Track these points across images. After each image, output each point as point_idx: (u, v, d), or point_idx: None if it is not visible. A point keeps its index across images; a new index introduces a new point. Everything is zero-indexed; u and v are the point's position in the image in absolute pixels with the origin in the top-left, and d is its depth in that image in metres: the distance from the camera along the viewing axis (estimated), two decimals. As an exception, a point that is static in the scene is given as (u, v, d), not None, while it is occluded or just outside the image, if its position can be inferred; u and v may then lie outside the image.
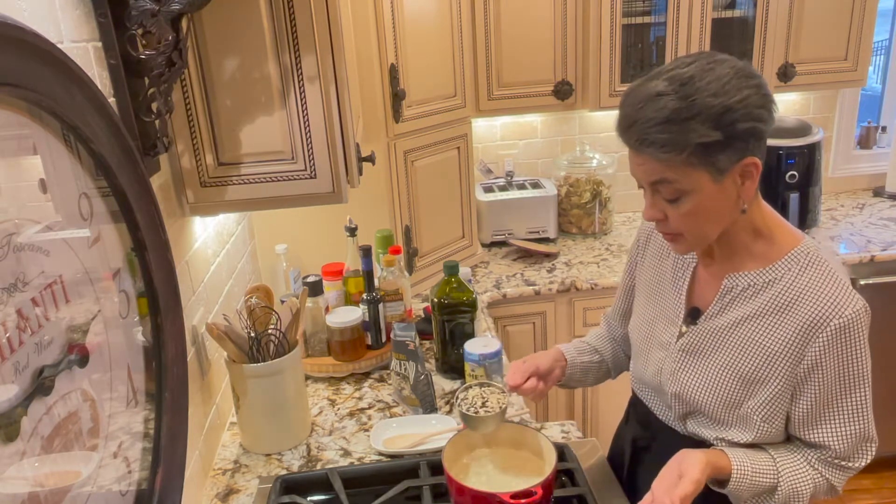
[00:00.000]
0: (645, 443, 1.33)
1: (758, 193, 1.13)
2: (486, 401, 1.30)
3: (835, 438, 1.12)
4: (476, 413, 1.26)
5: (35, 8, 0.91)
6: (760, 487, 1.12)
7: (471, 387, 1.33)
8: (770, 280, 1.12)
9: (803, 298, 1.08)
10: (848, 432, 1.12)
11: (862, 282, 2.49)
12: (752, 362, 1.12)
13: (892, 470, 2.82)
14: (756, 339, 1.12)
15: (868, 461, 1.15)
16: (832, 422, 1.12)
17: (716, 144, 1.00)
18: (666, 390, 1.23)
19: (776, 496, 1.13)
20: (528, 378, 1.32)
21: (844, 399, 1.11)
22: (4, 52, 0.70)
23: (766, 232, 1.13)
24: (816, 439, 1.14)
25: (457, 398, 1.31)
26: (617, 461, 1.42)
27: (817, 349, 1.07)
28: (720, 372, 1.15)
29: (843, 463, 1.14)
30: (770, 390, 1.12)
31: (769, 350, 1.11)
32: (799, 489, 1.13)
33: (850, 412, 1.11)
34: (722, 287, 1.16)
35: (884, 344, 2.59)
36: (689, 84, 1.00)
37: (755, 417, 1.14)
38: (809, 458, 1.15)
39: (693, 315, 1.21)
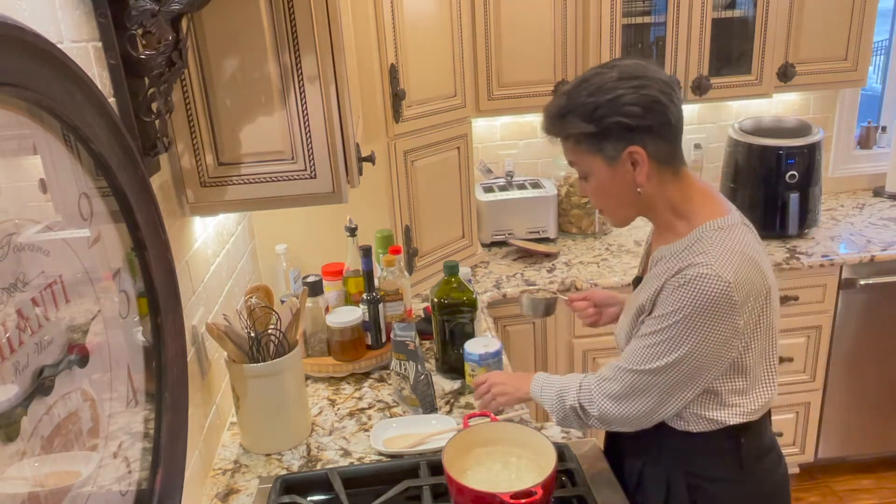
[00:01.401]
0: (632, 441, 1.38)
1: (682, 176, 1.25)
2: (537, 292, 1.76)
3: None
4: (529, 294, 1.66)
5: (35, 8, 0.91)
6: (550, 392, 1.35)
7: (532, 290, 1.67)
8: (675, 251, 1.23)
9: (675, 261, 1.21)
10: (633, 341, 1.26)
11: (862, 282, 2.49)
12: (632, 320, 1.28)
13: (892, 470, 2.83)
14: (638, 299, 1.27)
15: (635, 365, 1.22)
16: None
17: (594, 135, 1.19)
18: None
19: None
20: (584, 299, 1.63)
21: (646, 332, 1.22)
22: (4, 52, 0.70)
23: (685, 211, 1.25)
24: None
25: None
26: (609, 451, 1.48)
27: (657, 292, 1.21)
28: (621, 330, 1.35)
29: (605, 371, 1.28)
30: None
31: (642, 307, 1.25)
32: (555, 394, 1.33)
33: (648, 332, 1.21)
34: (651, 259, 1.31)
35: (884, 344, 2.59)
36: (579, 85, 1.20)
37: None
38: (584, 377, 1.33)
39: (636, 283, 1.39)
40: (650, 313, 1.22)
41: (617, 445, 1.42)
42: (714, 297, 1.13)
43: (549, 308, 1.69)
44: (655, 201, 1.25)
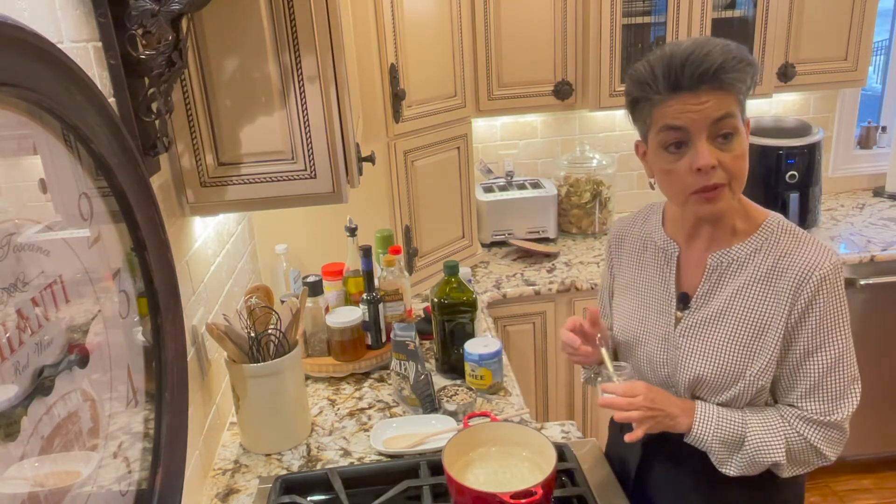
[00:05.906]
0: (657, 445, 1.28)
1: None
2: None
3: (812, 395, 1.16)
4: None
5: (35, 8, 0.91)
6: (726, 434, 1.17)
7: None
8: (751, 251, 1.19)
9: (784, 261, 1.16)
10: (827, 384, 1.15)
11: (862, 282, 2.49)
12: (750, 331, 1.18)
13: (892, 470, 2.83)
14: (750, 307, 1.18)
15: (853, 408, 1.17)
16: (812, 374, 1.16)
17: (748, 90, 1.12)
18: (678, 379, 1.24)
19: (745, 448, 1.17)
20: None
21: (827, 347, 1.15)
22: (4, 52, 0.70)
23: (743, 210, 1.21)
24: (796, 397, 1.18)
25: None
26: (615, 464, 1.42)
27: (803, 301, 1.14)
28: (722, 345, 1.20)
29: (822, 418, 1.16)
30: (768, 354, 1.17)
31: (763, 316, 1.17)
32: (769, 442, 1.16)
33: (831, 362, 1.15)
34: (707, 266, 1.21)
35: (884, 344, 2.59)
36: (722, 42, 1.10)
37: (759, 383, 1.18)
38: (785, 414, 1.18)
39: (683, 300, 1.26)
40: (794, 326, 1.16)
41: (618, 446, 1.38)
42: (842, 275, 1.16)
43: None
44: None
